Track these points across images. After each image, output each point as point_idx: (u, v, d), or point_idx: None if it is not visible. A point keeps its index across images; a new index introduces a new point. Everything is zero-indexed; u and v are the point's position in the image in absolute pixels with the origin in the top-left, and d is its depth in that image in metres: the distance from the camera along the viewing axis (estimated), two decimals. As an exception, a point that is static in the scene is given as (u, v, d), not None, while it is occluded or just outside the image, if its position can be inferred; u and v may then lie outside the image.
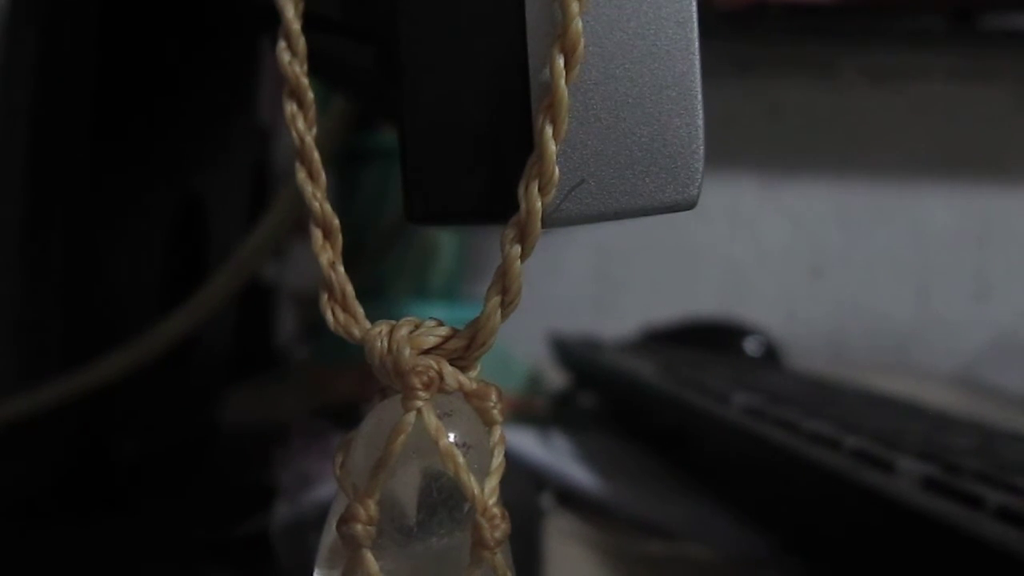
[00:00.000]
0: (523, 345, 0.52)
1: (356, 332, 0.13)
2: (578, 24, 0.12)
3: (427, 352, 0.12)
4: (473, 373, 0.12)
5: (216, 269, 0.28)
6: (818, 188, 0.81)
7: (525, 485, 0.32)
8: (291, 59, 0.13)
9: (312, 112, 0.13)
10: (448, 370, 0.12)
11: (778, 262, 0.82)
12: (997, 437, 0.30)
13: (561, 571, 0.26)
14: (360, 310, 0.13)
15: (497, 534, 0.11)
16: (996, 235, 0.81)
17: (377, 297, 0.57)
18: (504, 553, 0.12)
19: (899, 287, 0.81)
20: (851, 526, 0.23)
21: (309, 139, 0.13)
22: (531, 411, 0.45)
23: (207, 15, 0.30)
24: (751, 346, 0.60)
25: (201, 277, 0.29)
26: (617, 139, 0.13)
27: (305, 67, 0.13)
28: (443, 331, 0.12)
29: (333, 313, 0.13)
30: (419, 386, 0.12)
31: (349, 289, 0.13)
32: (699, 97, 0.13)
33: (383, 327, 0.12)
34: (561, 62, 0.12)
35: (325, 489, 0.24)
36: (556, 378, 0.54)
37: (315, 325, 0.56)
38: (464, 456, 0.11)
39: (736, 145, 0.80)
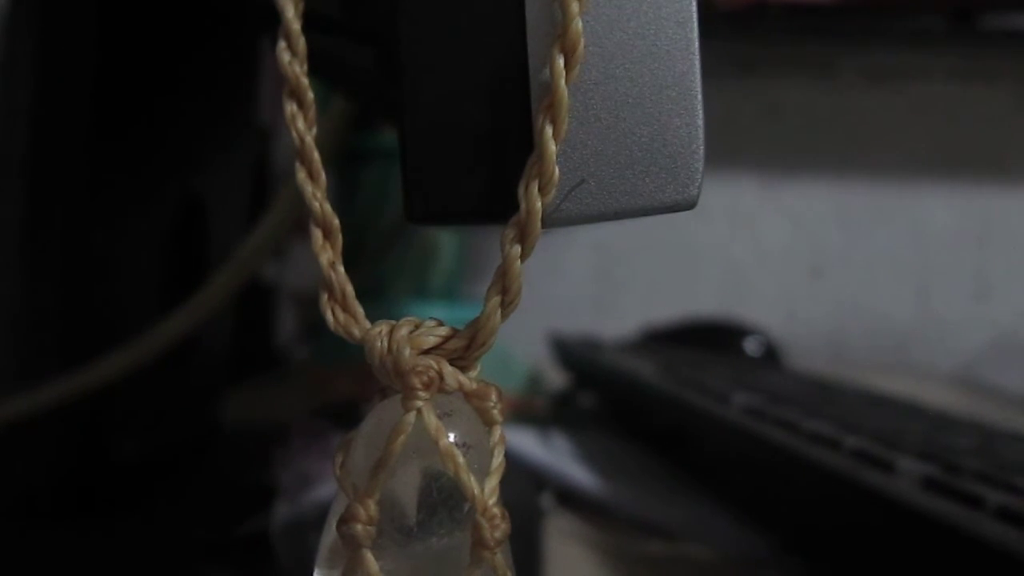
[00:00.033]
0: (523, 345, 0.52)
1: (356, 332, 0.13)
2: (578, 24, 0.12)
3: (427, 352, 0.12)
4: (473, 373, 0.12)
5: (216, 269, 0.28)
6: (818, 188, 0.81)
7: (525, 485, 0.32)
8: (291, 59, 0.13)
9: (312, 112, 0.13)
10: (448, 370, 0.12)
11: (778, 262, 0.82)
12: (997, 437, 0.30)
13: (561, 571, 0.26)
14: (360, 310, 0.13)
15: (497, 534, 0.11)
16: (996, 235, 0.81)
17: (377, 297, 0.57)
18: (504, 553, 0.12)
19: (899, 287, 0.81)
20: (851, 526, 0.23)
21: (309, 139, 0.13)
22: (531, 411, 0.45)
23: (207, 15, 0.30)
24: (751, 346, 0.60)
25: (201, 277, 0.29)
26: (617, 139, 0.13)
27: (305, 67, 0.13)
28: (443, 331, 0.12)
29: (333, 313, 0.13)
30: (419, 386, 0.12)
31: (349, 289, 0.13)
32: (699, 97, 0.13)
33: (383, 327, 0.12)
34: (561, 62, 0.12)
35: (325, 489, 0.24)
36: (556, 378, 0.54)
37: (315, 325, 0.56)
38: (464, 456, 0.11)
39: (736, 145, 0.80)
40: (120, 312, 0.29)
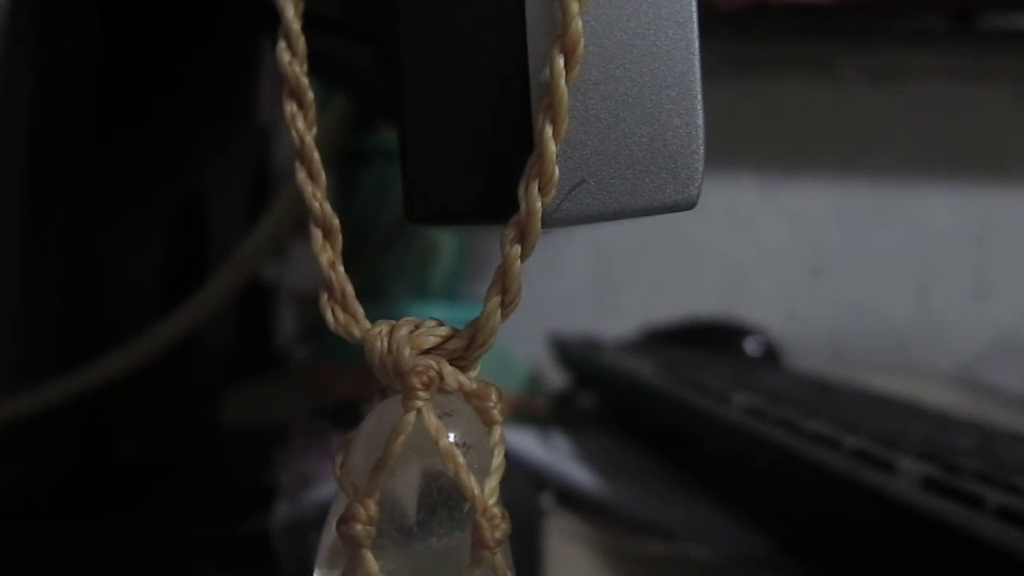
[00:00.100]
0: (523, 345, 0.52)
1: (356, 332, 0.13)
2: (578, 24, 0.12)
3: (427, 352, 0.12)
4: (473, 373, 0.12)
5: (216, 269, 0.28)
6: (818, 188, 0.82)
7: (525, 485, 0.32)
8: (291, 59, 0.13)
9: (312, 112, 0.13)
10: (448, 370, 0.12)
11: (778, 262, 0.82)
12: (997, 437, 0.30)
13: (561, 571, 0.26)
14: (360, 310, 0.13)
15: (497, 534, 0.11)
16: (996, 235, 0.81)
17: (377, 297, 0.57)
18: (504, 553, 0.12)
19: (899, 287, 0.81)
20: (851, 526, 0.23)
21: (309, 139, 0.13)
22: (531, 411, 0.45)
23: (207, 15, 0.30)
24: (751, 346, 0.60)
25: (201, 277, 0.29)
26: (617, 139, 0.13)
27: (305, 67, 0.13)
28: (443, 331, 0.12)
29: (333, 313, 0.13)
30: (419, 386, 0.12)
31: (349, 289, 0.13)
32: (699, 97, 0.13)
33: (383, 327, 0.12)
34: (561, 62, 0.12)
35: (325, 489, 0.24)
36: (556, 378, 0.54)
37: (315, 325, 0.56)
38: (464, 456, 0.11)
39: (736, 145, 0.80)
40: (120, 312, 0.29)
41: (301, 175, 0.13)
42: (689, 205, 0.13)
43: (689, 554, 0.28)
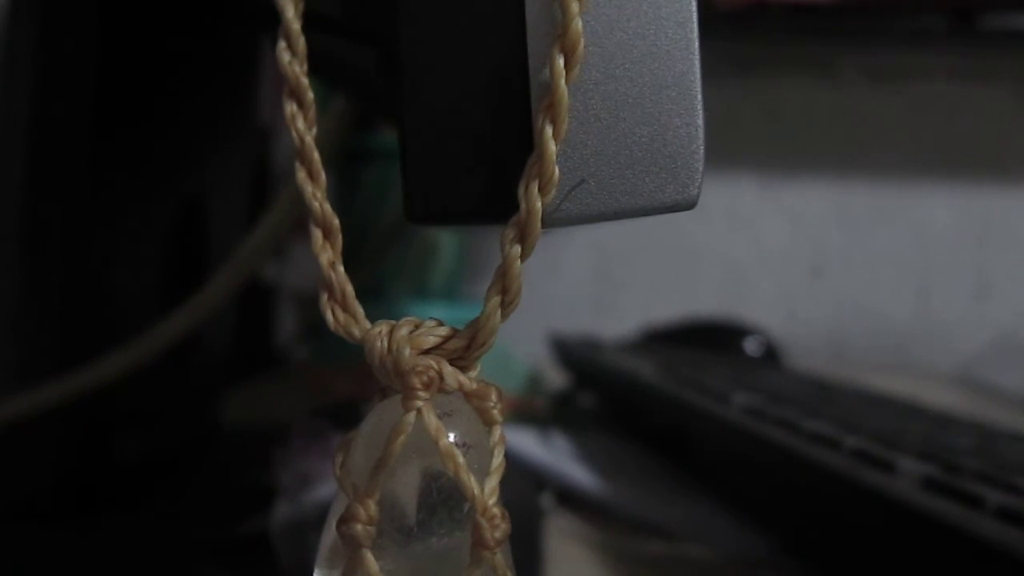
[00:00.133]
0: (523, 345, 0.52)
1: (356, 332, 0.13)
2: (578, 24, 0.12)
3: (427, 352, 0.12)
4: (473, 373, 0.12)
5: (216, 269, 0.28)
6: (818, 188, 0.82)
7: (525, 485, 0.32)
8: (291, 59, 0.13)
9: (312, 112, 0.13)
10: (448, 370, 0.12)
11: (778, 262, 0.82)
12: (997, 437, 0.30)
13: (561, 571, 0.26)
14: (360, 310, 0.13)
15: (497, 534, 0.11)
16: (996, 235, 0.81)
17: (377, 297, 0.57)
18: (504, 553, 0.12)
19: (899, 287, 0.81)
20: (851, 526, 0.23)
21: (309, 139, 0.13)
22: (531, 411, 0.45)
23: (207, 15, 0.30)
24: (751, 346, 0.60)
25: (201, 277, 0.29)
26: (617, 139, 0.13)
27: (305, 67, 0.13)
28: (443, 331, 0.12)
29: (333, 313, 0.13)
30: (419, 386, 0.12)
31: (349, 289, 0.13)
32: (699, 97, 0.13)
33: (383, 327, 0.12)
34: (561, 62, 0.12)
35: (325, 489, 0.24)
36: (556, 378, 0.54)
37: (315, 325, 0.56)
38: (464, 456, 0.11)
39: (736, 145, 0.80)
40: (120, 312, 0.29)
41: (301, 175, 0.13)
42: (689, 205, 0.13)
43: (689, 554, 0.28)
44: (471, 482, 0.11)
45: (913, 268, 0.81)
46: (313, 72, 0.13)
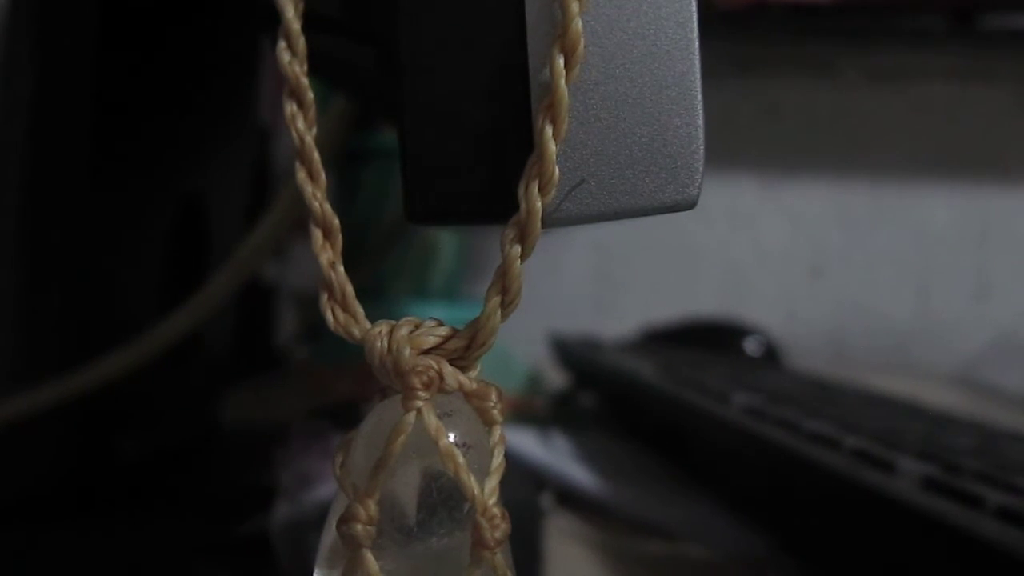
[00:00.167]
0: (523, 345, 0.52)
1: (356, 332, 0.13)
2: (578, 24, 0.12)
3: (427, 352, 0.12)
4: (473, 373, 0.12)
5: (216, 269, 0.28)
6: (818, 188, 0.81)
7: (525, 485, 0.32)
8: (291, 59, 0.13)
9: (312, 112, 0.13)
10: (448, 370, 0.12)
11: (778, 262, 0.82)
12: (997, 437, 0.30)
13: (561, 571, 0.26)
14: (360, 310, 0.13)
15: (497, 534, 0.11)
16: (996, 235, 0.81)
17: (377, 297, 0.57)
18: (504, 553, 0.12)
19: (899, 287, 0.81)
20: (851, 526, 0.23)
21: (309, 139, 0.13)
22: (531, 411, 0.45)
23: (207, 15, 0.30)
24: (751, 346, 0.60)
25: (201, 277, 0.29)
26: (617, 139, 0.13)
27: (305, 67, 0.13)
28: (443, 331, 0.12)
29: (333, 313, 0.13)
30: (419, 386, 0.12)
31: (349, 289, 0.13)
32: (699, 97, 0.13)
33: (383, 327, 0.12)
34: (561, 62, 0.12)
35: (325, 489, 0.24)
36: (556, 378, 0.54)
37: (315, 325, 0.56)
38: (464, 456, 0.11)
39: (736, 145, 0.80)
40: (120, 312, 0.29)
41: (301, 175, 0.13)
42: (689, 205, 0.13)
43: (689, 554, 0.28)
44: (471, 482, 0.11)
45: (913, 268, 0.81)
46: (313, 72, 0.13)
